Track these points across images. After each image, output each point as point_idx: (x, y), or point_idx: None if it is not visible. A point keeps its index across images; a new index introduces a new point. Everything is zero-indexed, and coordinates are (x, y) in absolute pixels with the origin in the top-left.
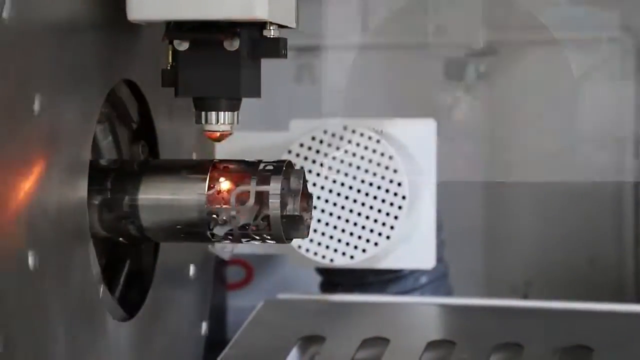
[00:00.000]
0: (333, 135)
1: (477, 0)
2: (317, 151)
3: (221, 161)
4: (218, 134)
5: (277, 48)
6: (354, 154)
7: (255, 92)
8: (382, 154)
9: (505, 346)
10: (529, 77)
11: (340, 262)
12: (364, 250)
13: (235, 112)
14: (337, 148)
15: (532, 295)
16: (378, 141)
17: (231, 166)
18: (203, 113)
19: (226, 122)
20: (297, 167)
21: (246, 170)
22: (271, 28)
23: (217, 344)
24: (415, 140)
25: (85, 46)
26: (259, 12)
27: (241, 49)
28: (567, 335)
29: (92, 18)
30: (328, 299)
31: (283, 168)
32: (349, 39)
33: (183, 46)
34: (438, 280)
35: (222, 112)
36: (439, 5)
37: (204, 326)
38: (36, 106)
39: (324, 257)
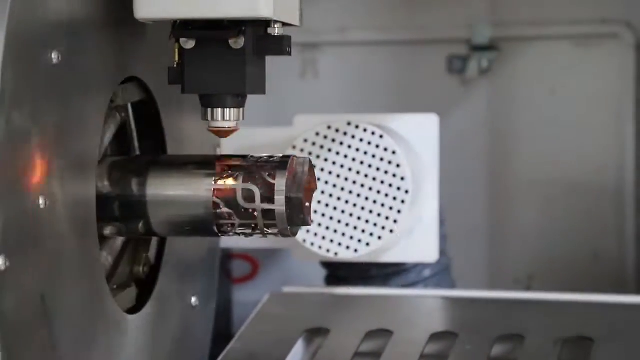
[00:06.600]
0: (337, 130)
1: None
2: (321, 146)
3: (226, 157)
4: (224, 130)
5: (281, 46)
6: (357, 149)
7: (260, 89)
8: (386, 149)
9: (508, 337)
10: (531, 72)
11: (345, 255)
12: (367, 244)
13: (241, 109)
14: (341, 143)
15: (534, 289)
16: (381, 136)
17: (236, 162)
18: (209, 110)
19: (232, 119)
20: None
21: (251, 165)
22: (276, 26)
23: (223, 337)
24: (418, 135)
25: (91, 47)
26: (264, 11)
27: (246, 46)
28: (568, 326)
29: (97, 18)
30: (332, 292)
31: (287, 164)
32: (352, 35)
33: (189, 44)
34: (441, 273)
35: (228, 109)
36: (442, 1)
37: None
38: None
39: (328, 250)
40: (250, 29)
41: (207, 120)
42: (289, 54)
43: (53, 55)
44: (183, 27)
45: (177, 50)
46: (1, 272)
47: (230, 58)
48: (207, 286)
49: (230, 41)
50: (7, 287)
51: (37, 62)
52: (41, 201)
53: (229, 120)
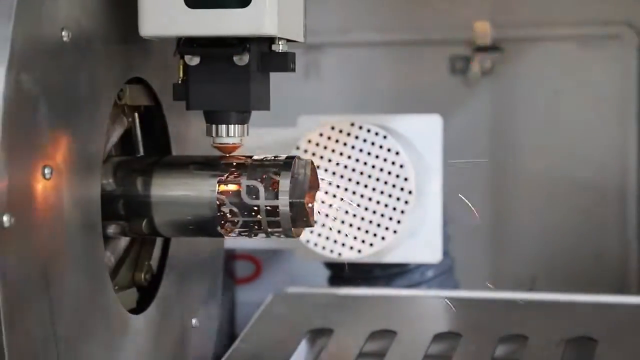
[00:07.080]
0: (340, 131)
1: None
2: (325, 147)
3: (230, 157)
4: (228, 146)
5: (285, 62)
6: (361, 150)
7: (265, 105)
8: (389, 150)
9: (511, 338)
10: (534, 73)
11: (348, 256)
12: (371, 245)
13: (245, 125)
14: (345, 144)
15: (537, 289)
16: (385, 137)
17: (240, 162)
18: (214, 126)
19: (236, 135)
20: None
21: (255, 166)
22: (280, 43)
23: (227, 337)
24: (421, 136)
25: (99, 39)
26: (268, 28)
27: (251, 63)
28: (572, 326)
29: (102, 24)
30: (336, 293)
31: (292, 164)
32: (355, 36)
33: (194, 61)
34: (444, 274)
35: (232, 125)
36: (444, 1)
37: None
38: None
39: (332, 251)
40: (255, 45)
41: (212, 136)
42: (293, 70)
43: (63, 33)
44: (188, 43)
45: (181, 66)
46: (6, 228)
47: (234, 75)
48: (210, 294)
49: (234, 58)
50: (10, 243)
51: (47, 35)
52: (47, 171)
53: (233, 136)
